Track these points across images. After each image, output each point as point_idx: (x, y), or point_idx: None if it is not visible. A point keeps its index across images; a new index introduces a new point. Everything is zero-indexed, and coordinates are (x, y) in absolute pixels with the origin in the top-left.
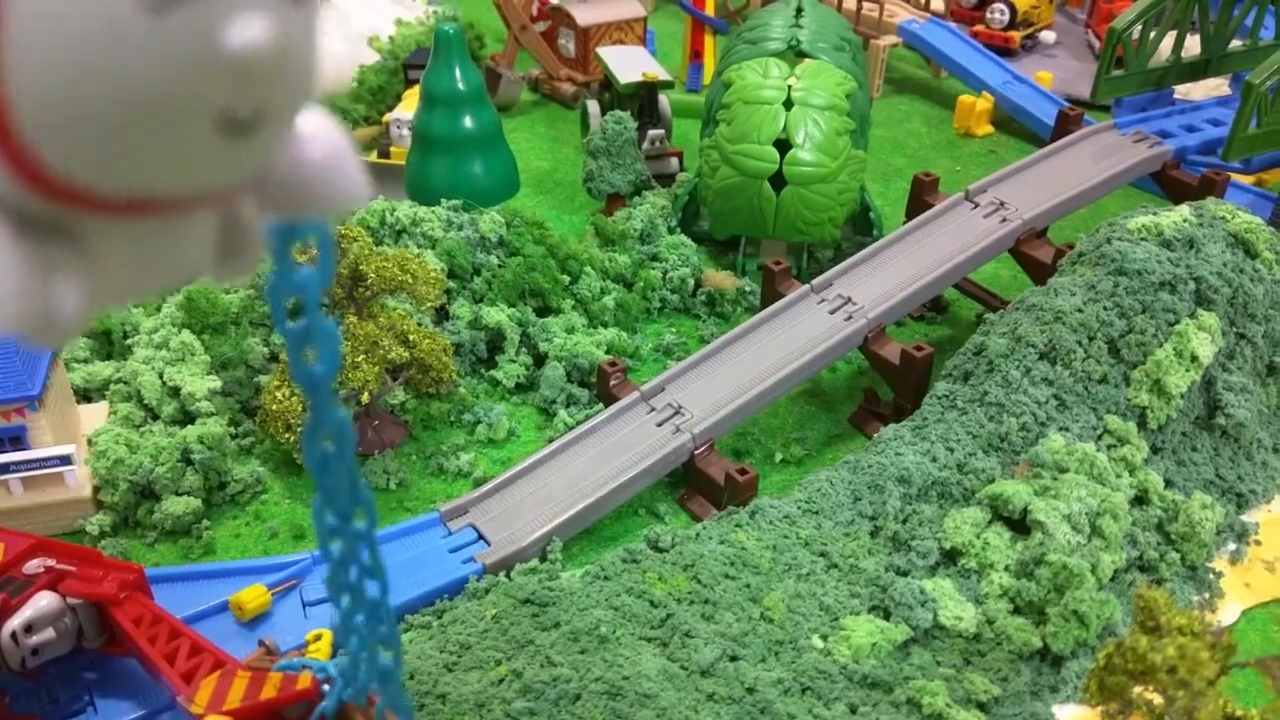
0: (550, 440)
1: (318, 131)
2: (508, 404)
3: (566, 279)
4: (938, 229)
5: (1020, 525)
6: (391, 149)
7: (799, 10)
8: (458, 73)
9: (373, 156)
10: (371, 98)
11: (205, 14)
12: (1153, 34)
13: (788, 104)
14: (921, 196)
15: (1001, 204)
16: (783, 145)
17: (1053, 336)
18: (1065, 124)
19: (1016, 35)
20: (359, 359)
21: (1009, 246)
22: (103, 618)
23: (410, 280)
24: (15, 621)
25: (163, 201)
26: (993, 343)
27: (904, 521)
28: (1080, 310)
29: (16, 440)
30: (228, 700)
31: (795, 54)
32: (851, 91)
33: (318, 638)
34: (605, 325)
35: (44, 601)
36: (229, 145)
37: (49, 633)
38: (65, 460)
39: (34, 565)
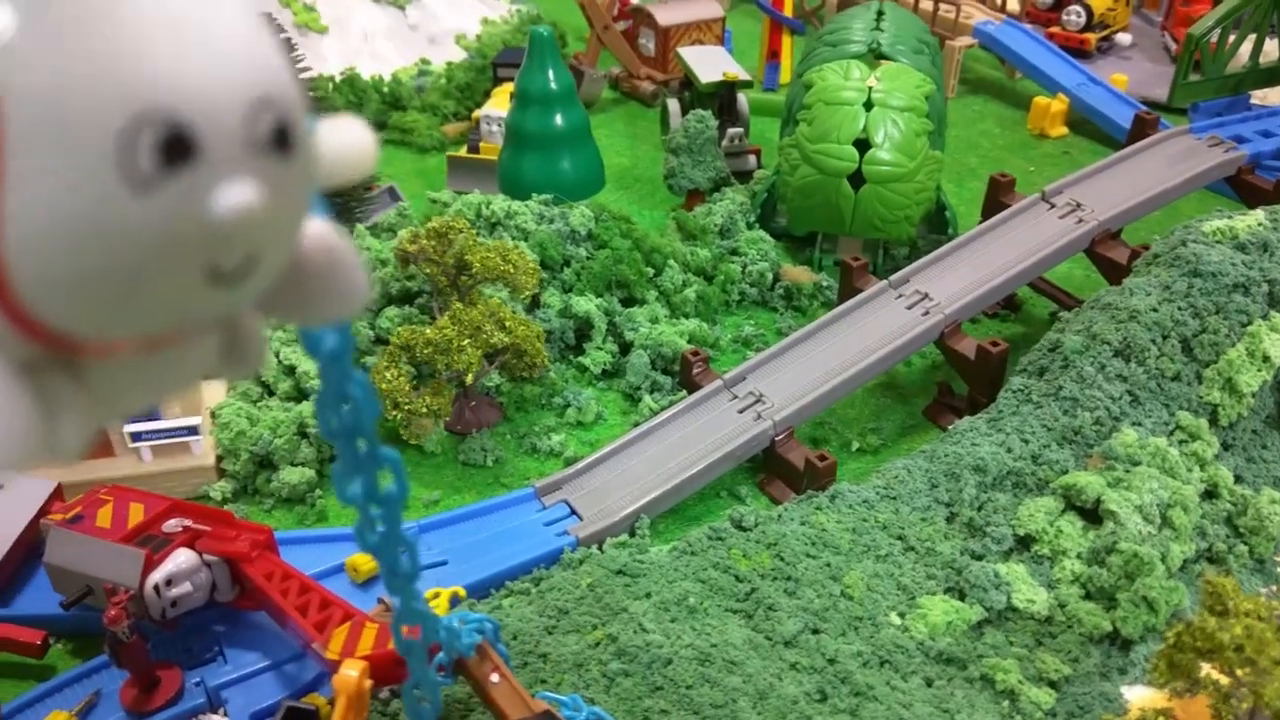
0: (636, 424)
1: (319, 243)
2: (594, 389)
3: (650, 271)
4: (1014, 228)
5: (1092, 515)
6: (481, 144)
7: (879, 14)
8: (550, 73)
9: (463, 151)
10: (460, 94)
11: (189, 188)
12: (1231, 39)
13: (868, 105)
14: (997, 197)
15: (1077, 205)
16: (862, 145)
17: (1127, 334)
18: (1141, 128)
19: (1092, 37)
20: (464, 343)
21: (1084, 247)
22: (234, 574)
23: (512, 270)
24: (157, 575)
25: (158, 339)
26: (1068, 339)
27: (979, 508)
28: (1155, 310)
29: (149, 411)
30: (359, 648)
31: (875, 56)
32: (930, 94)
33: (435, 595)
34: (686, 316)
35: (182, 558)
36: (221, 292)
37: (186, 586)
38: (193, 430)
39: (172, 524)
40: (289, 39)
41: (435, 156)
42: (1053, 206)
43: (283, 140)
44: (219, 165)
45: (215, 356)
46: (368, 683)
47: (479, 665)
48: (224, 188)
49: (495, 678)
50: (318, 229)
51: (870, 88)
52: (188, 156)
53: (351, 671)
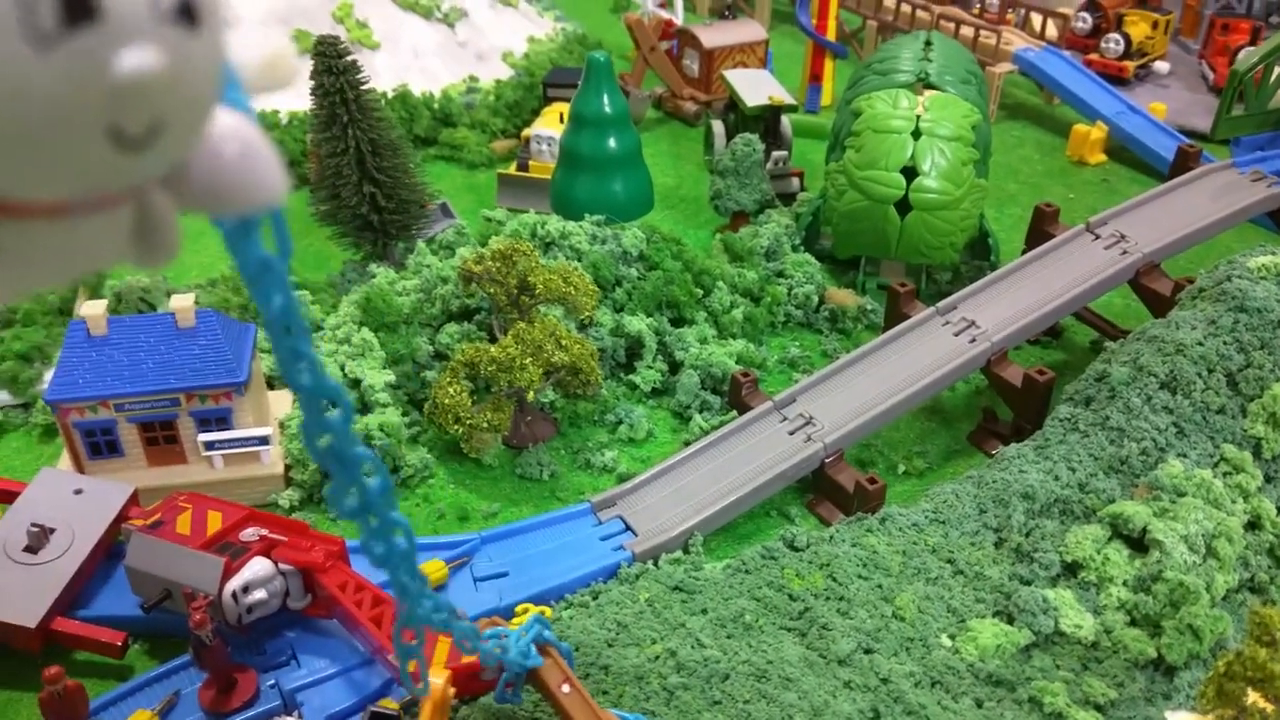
0: (687, 442)
1: (232, 131)
2: (644, 406)
3: (699, 292)
4: (1059, 258)
5: (1138, 544)
6: (530, 163)
7: (927, 43)
8: (605, 98)
9: (512, 169)
10: (509, 112)
11: (92, 47)
12: (1275, 74)
13: (916, 134)
14: (1042, 226)
15: (1122, 236)
16: (909, 172)
17: (1174, 367)
18: (1184, 160)
19: (1130, 65)
20: (526, 361)
21: (1128, 278)
22: (307, 582)
23: (573, 292)
24: (235, 582)
25: (65, 205)
26: (1115, 370)
27: (1027, 534)
28: (1201, 344)
29: (222, 421)
30: (432, 660)
31: (924, 86)
32: (977, 123)
33: (525, 611)
34: (733, 337)
35: (259, 566)
36: (126, 156)
37: (262, 593)
38: (264, 440)
39: (249, 533)
40: (355, 60)
41: (484, 173)
42: (1097, 237)
43: (187, 12)
44: (121, 28)
45: (128, 237)
46: (451, 691)
47: (550, 675)
48: (125, 50)
49: (566, 688)
50: (232, 119)
51: (918, 117)
52: (90, 16)
53: (437, 680)
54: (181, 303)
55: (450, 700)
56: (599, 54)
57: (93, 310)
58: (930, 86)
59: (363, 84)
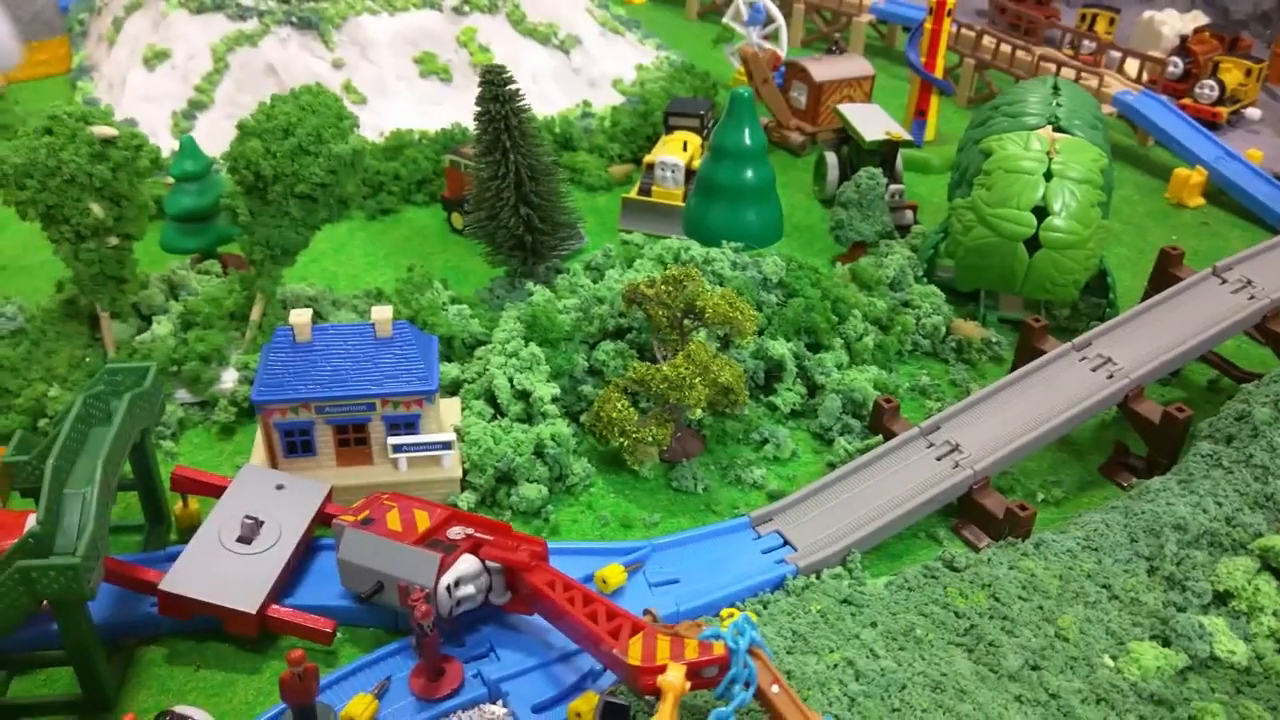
0: (831, 464)
1: None
2: (785, 427)
3: (835, 319)
4: (1188, 301)
5: None
6: (653, 188)
7: (1055, 88)
8: (746, 131)
9: (633, 193)
10: (625, 137)
11: None
12: None
13: (1047, 175)
14: (1167, 268)
15: (1249, 282)
16: (1038, 212)
17: None
18: None
19: (1224, 111)
20: (695, 380)
21: (1255, 323)
22: (509, 580)
23: (739, 317)
24: (448, 577)
25: None
26: (1257, 410)
27: (1178, 564)
28: None
29: (410, 426)
30: (657, 657)
31: (1053, 129)
32: (1105, 168)
33: (730, 615)
34: (865, 363)
35: (467, 563)
36: None
37: (470, 589)
38: (447, 445)
39: (456, 531)
40: (519, 90)
41: (603, 195)
42: (1224, 281)
43: None
44: None
45: None
46: (687, 685)
47: (760, 675)
48: None
49: (776, 688)
50: None
51: (1050, 158)
52: None
53: (676, 675)
54: (381, 314)
55: (686, 692)
56: (743, 89)
57: (300, 318)
58: (1060, 130)
59: (524, 111)
